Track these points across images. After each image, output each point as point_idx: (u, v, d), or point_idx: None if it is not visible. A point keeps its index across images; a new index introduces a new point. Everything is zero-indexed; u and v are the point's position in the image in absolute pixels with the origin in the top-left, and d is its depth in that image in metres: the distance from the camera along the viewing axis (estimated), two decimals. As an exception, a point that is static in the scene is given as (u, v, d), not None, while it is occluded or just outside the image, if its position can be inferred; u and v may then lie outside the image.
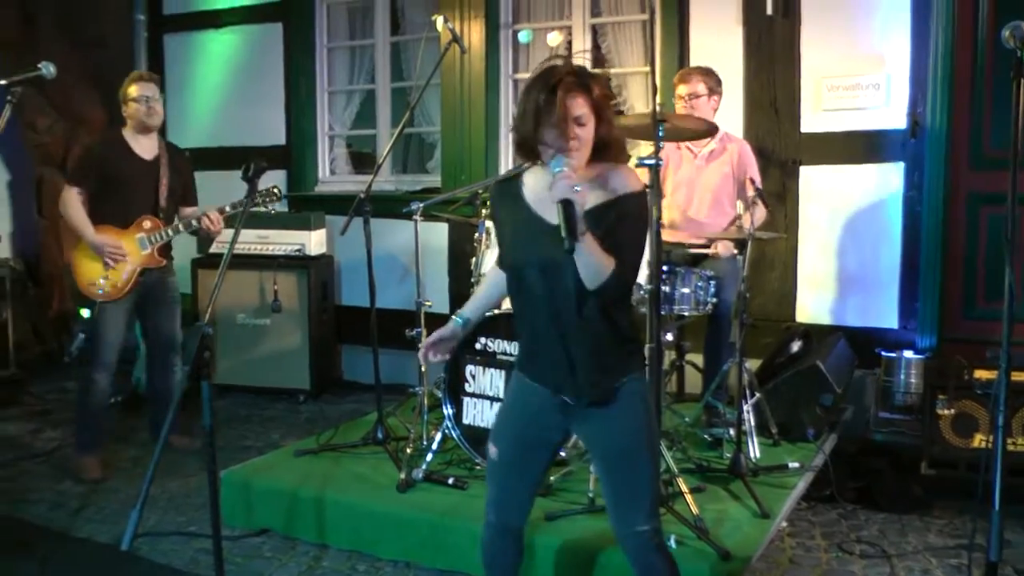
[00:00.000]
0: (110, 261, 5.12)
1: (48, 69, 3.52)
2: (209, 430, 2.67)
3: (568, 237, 2.60)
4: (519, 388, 3.10)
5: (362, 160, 7.75)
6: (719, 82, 5.21)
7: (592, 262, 2.70)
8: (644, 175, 4.21)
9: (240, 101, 7.66)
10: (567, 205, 2.61)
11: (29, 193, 8.13)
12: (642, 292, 4.54)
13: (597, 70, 5.10)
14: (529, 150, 2.85)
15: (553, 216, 2.72)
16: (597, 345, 2.90)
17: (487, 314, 4.58)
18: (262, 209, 5.32)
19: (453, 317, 3.20)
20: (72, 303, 8.13)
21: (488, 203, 3.07)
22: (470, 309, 3.24)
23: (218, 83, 7.71)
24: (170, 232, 5.23)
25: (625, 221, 2.83)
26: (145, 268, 5.23)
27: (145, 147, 5.25)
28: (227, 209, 5.19)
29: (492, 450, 3.13)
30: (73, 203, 5.12)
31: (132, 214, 5.20)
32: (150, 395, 5.69)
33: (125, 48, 7.95)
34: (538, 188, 2.88)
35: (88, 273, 5.19)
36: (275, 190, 5.31)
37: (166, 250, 5.35)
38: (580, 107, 2.76)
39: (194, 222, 5.21)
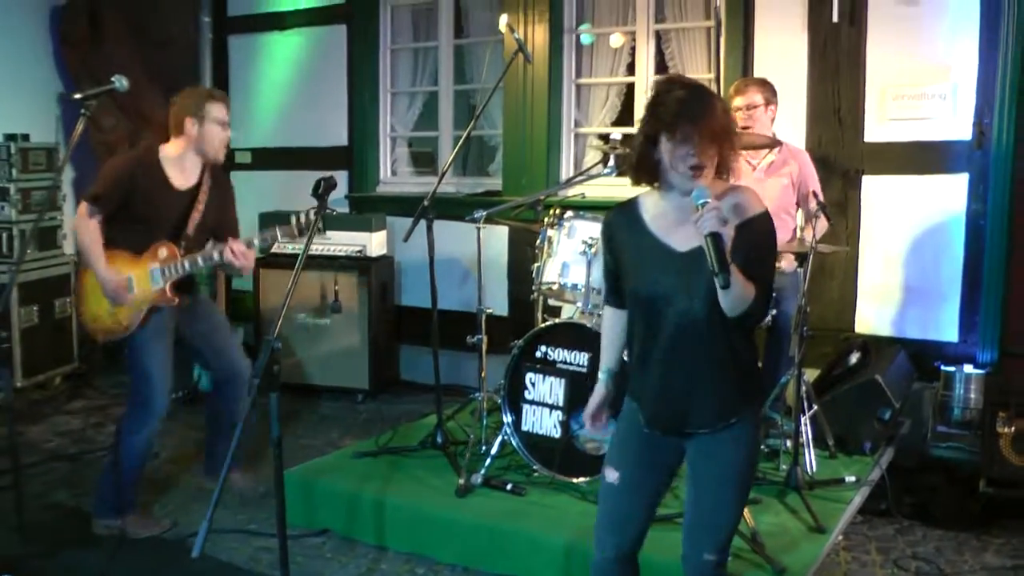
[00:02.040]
0: (118, 299, 4.39)
1: (121, 83, 3.57)
2: (277, 441, 2.74)
3: (721, 273, 2.55)
4: (633, 415, 3.05)
5: (422, 160, 7.82)
6: (775, 92, 5.17)
7: (739, 292, 2.66)
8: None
9: (303, 102, 7.75)
10: (716, 238, 2.57)
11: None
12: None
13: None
14: (650, 171, 2.81)
15: (678, 243, 2.74)
16: (721, 376, 2.85)
17: (546, 324, 4.66)
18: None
19: (600, 375, 3.16)
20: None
21: (606, 228, 3.02)
22: (609, 360, 3.17)
23: (281, 84, 7.81)
24: (187, 265, 4.39)
25: (759, 246, 2.79)
26: (156, 307, 4.46)
27: (186, 174, 4.53)
28: (255, 242, 4.36)
29: (612, 475, 3.05)
30: (90, 229, 4.36)
31: (152, 243, 4.44)
32: (209, 418, 4.99)
33: (190, 49, 8.07)
34: (658, 213, 2.85)
35: (92, 307, 4.54)
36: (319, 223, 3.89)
37: (186, 287, 4.57)
38: (713, 127, 2.71)
39: (216, 254, 4.34)
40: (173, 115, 4.51)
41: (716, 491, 2.93)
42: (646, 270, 2.87)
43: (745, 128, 4.98)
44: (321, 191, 3.11)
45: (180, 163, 4.50)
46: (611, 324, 3.14)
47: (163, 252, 4.41)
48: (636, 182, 2.87)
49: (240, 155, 7.84)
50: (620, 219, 2.96)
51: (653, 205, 2.89)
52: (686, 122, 2.68)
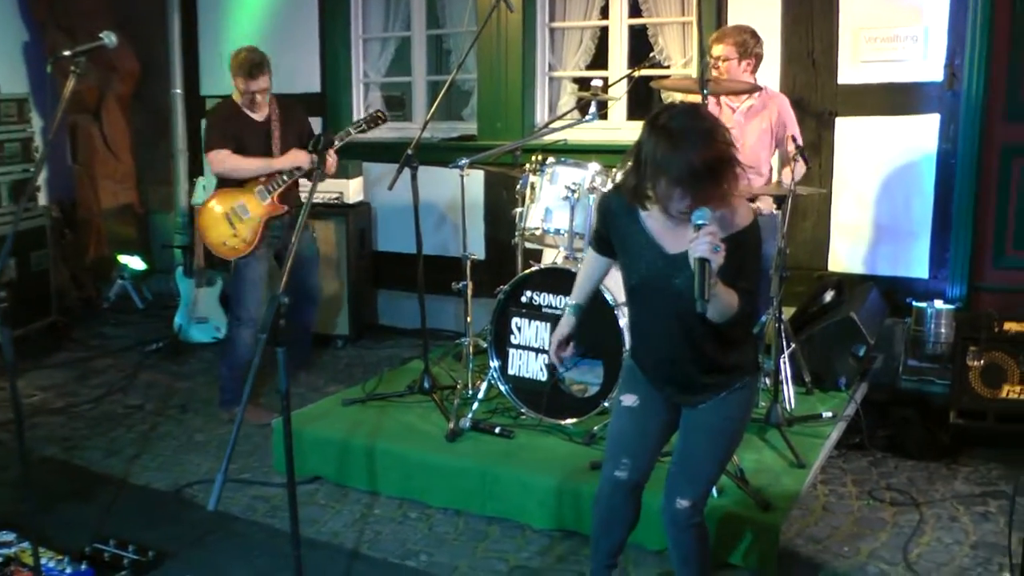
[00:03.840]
0: (274, 177, 5.29)
1: (110, 39, 3.52)
2: (285, 394, 2.79)
3: (700, 299, 2.58)
4: (631, 373, 3.18)
5: (394, 105, 7.78)
6: (758, 41, 5.13)
7: (721, 307, 2.73)
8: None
9: (274, 48, 7.44)
10: (705, 264, 2.58)
11: (63, 140, 8.21)
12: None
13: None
14: (641, 198, 2.84)
15: (670, 245, 2.83)
16: (711, 359, 2.96)
17: (532, 269, 4.72)
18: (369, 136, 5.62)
19: (567, 308, 3.27)
20: (109, 250, 8.28)
21: (603, 205, 3.07)
22: (579, 296, 3.28)
23: (252, 31, 7.70)
24: (285, 178, 5.29)
25: (746, 257, 2.83)
26: (270, 219, 5.32)
27: (256, 109, 5.34)
28: (336, 143, 5.08)
29: (630, 399, 3.13)
30: (225, 159, 5.24)
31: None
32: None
33: (157, -5, 7.97)
34: (655, 212, 2.87)
35: (217, 234, 5.29)
36: (379, 114, 5.40)
37: (289, 198, 5.39)
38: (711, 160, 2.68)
39: (303, 162, 5.29)
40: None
41: (706, 444, 3.06)
42: (637, 261, 2.95)
43: (723, 77, 5.02)
44: (321, 147, 3.14)
45: (248, 103, 5.30)
46: (590, 264, 3.27)
47: (263, 176, 5.29)
48: (632, 202, 2.89)
49: (210, 102, 7.75)
50: (619, 205, 2.99)
51: (656, 209, 2.89)
52: (688, 186, 2.68)
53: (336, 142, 5.08)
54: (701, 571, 3.18)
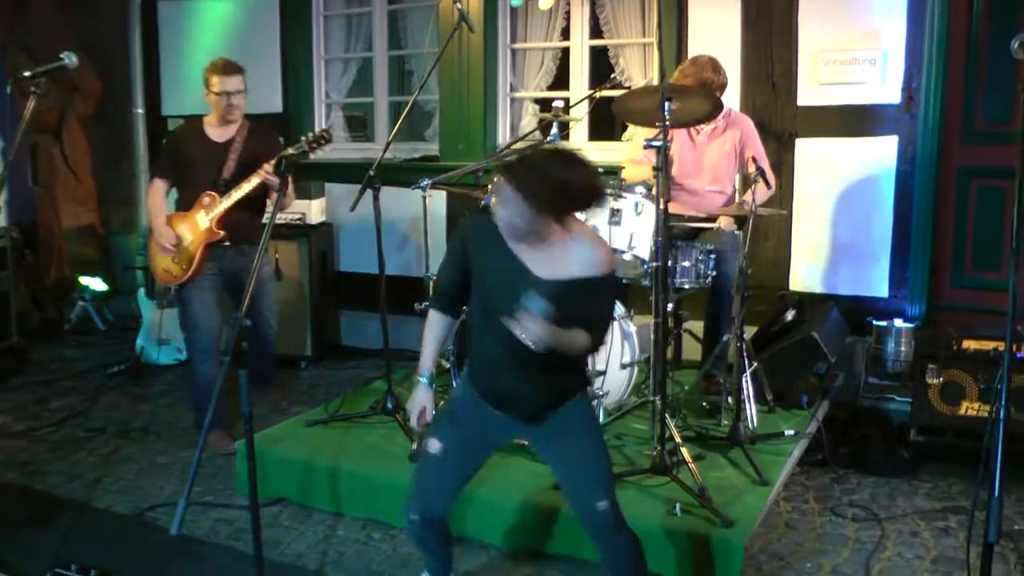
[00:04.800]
0: (164, 249, 5.10)
1: (71, 59, 3.52)
2: (247, 418, 2.78)
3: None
4: (468, 396, 3.25)
5: (356, 125, 7.78)
6: (719, 73, 5.16)
7: (563, 348, 2.86)
8: (651, 156, 4.33)
9: None
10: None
11: (23, 161, 8.14)
12: (645, 267, 4.68)
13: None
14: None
15: (540, 269, 2.94)
16: (550, 380, 3.08)
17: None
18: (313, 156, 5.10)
19: (419, 379, 3.32)
20: (70, 271, 8.20)
21: (463, 232, 3.16)
22: (430, 364, 3.33)
23: (213, 51, 7.59)
24: (225, 202, 5.01)
25: (599, 299, 2.98)
26: (211, 245, 5.07)
27: (223, 131, 5.17)
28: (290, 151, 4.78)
29: (434, 445, 3.23)
30: (152, 192, 5.25)
31: (198, 195, 5.10)
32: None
33: (118, 14, 7.92)
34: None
35: (160, 261, 5.19)
36: (324, 134, 4.93)
37: (236, 224, 5.08)
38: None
39: (253, 179, 4.95)
40: None
41: (582, 448, 3.16)
42: (501, 288, 3.01)
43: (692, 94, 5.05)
44: (283, 168, 3.15)
45: (215, 125, 5.17)
46: (436, 327, 3.32)
47: (206, 200, 5.07)
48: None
49: (172, 123, 7.74)
50: (479, 229, 3.09)
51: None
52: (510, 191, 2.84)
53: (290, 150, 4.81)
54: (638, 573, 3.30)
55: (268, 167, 4.89)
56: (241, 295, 4.92)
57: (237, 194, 5.00)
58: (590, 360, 4.44)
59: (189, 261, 5.10)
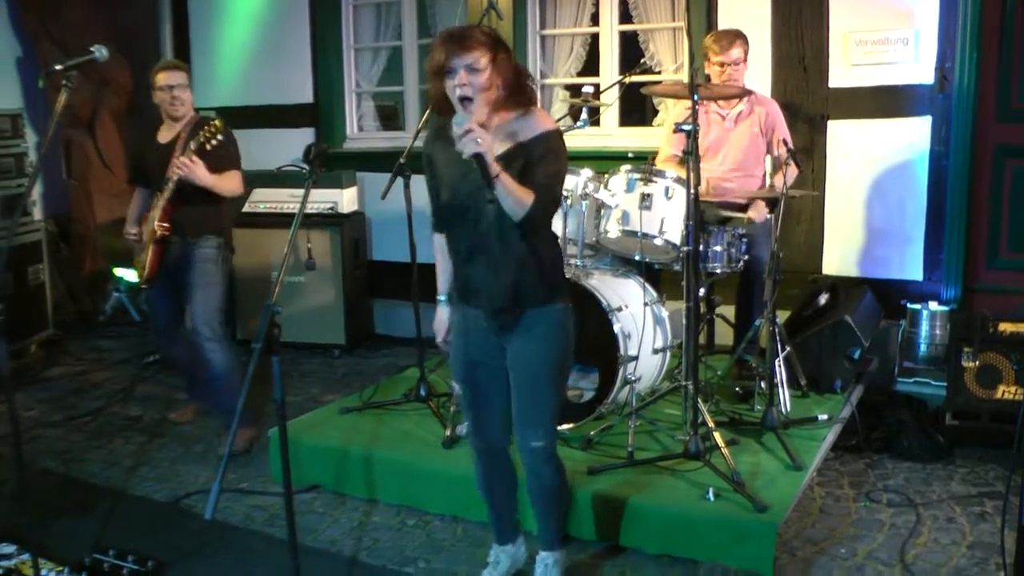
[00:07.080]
0: (134, 248, 5.31)
1: (101, 52, 3.56)
2: (281, 402, 2.80)
3: (487, 186, 2.93)
4: (458, 321, 3.40)
5: (387, 114, 7.80)
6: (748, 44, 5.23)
7: (511, 199, 2.98)
8: (681, 141, 4.32)
9: (267, 60, 7.68)
10: (478, 157, 2.88)
11: (57, 155, 8.23)
12: (678, 252, 4.67)
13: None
14: (441, 106, 3.16)
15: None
16: (518, 272, 3.17)
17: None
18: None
19: (439, 299, 3.51)
20: (104, 263, 8.28)
21: (426, 147, 3.34)
22: (445, 286, 3.50)
23: (244, 42, 7.74)
24: (160, 201, 5.00)
25: (539, 160, 3.07)
26: (160, 242, 5.05)
27: (169, 131, 5.16)
28: (190, 147, 4.85)
29: (456, 387, 3.43)
30: (131, 198, 5.43)
31: (154, 196, 5.10)
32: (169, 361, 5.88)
33: (149, 9, 7.99)
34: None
35: (136, 263, 5.34)
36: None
37: (184, 218, 5.03)
38: (471, 57, 2.99)
39: (177, 171, 4.87)
40: None
41: (532, 386, 3.29)
42: (454, 180, 3.18)
43: (733, 82, 5.05)
44: (312, 156, 3.17)
45: (165, 124, 5.20)
46: (442, 248, 3.43)
47: (159, 201, 5.05)
48: (439, 113, 3.22)
49: (203, 115, 7.77)
50: (438, 137, 3.27)
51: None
52: (451, 55, 3.01)
53: (192, 145, 4.86)
54: (557, 503, 3.56)
55: (179, 160, 4.87)
56: (185, 286, 5.14)
57: (167, 192, 4.97)
58: (622, 344, 4.46)
59: (145, 259, 5.19)
